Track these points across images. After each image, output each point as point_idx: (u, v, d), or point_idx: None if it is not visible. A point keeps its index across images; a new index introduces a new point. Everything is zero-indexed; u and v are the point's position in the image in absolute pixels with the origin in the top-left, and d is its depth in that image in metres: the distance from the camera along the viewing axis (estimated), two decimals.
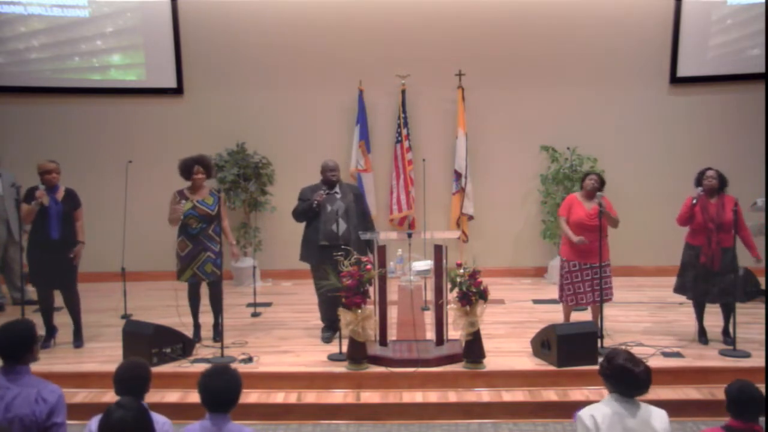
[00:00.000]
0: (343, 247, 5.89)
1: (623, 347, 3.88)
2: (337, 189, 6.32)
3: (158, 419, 3.19)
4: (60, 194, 6.14)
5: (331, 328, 6.31)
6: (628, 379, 3.16)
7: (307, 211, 6.23)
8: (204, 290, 6.34)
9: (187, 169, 6.21)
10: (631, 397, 3.19)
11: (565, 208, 6.31)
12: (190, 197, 6.18)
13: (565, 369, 5.55)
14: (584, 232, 6.09)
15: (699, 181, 6.10)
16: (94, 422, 3.16)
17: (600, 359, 5.49)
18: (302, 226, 6.40)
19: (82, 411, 4.86)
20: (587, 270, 6.14)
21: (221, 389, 3.12)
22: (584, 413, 3.17)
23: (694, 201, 5.95)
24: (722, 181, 6.05)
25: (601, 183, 6.26)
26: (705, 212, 5.97)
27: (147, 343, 5.65)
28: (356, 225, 6.24)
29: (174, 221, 6.17)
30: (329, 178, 6.29)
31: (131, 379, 3.31)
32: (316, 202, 6.15)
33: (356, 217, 6.29)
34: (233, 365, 3.66)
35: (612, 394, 3.23)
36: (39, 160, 6.20)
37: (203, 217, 6.15)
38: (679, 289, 6.25)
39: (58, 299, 6.36)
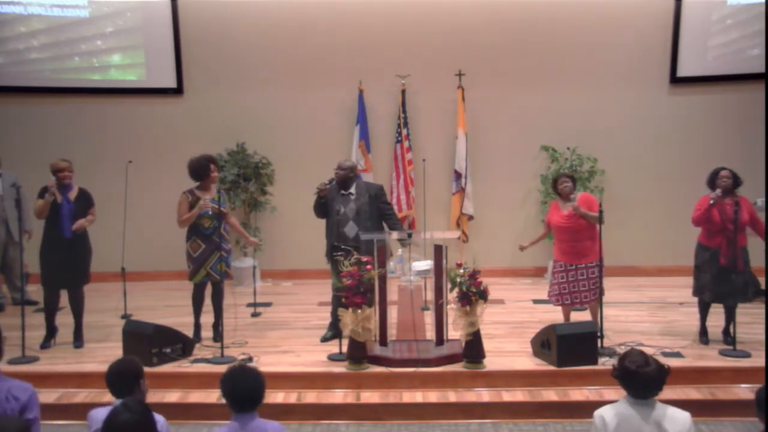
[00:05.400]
0: (343, 247, 5.87)
1: (638, 347, 3.82)
2: (352, 190, 6.26)
3: (157, 419, 3.19)
4: (73, 194, 6.15)
5: (334, 327, 6.27)
6: (636, 380, 3.13)
7: (316, 205, 6.25)
8: (208, 290, 6.36)
9: (202, 168, 6.16)
10: (644, 398, 3.15)
11: (547, 213, 6.43)
12: (201, 196, 6.16)
13: (565, 369, 5.54)
14: (563, 234, 6.14)
15: (712, 182, 5.96)
16: (97, 413, 3.18)
17: (600, 359, 5.54)
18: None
19: (82, 411, 4.83)
20: (575, 271, 6.14)
21: (248, 389, 3.10)
22: (597, 413, 3.17)
23: (712, 201, 5.81)
24: (736, 181, 5.93)
25: (574, 182, 6.26)
26: (722, 213, 5.83)
27: (147, 343, 5.65)
28: (368, 227, 6.12)
29: (188, 221, 6.12)
30: (336, 174, 6.26)
31: (120, 375, 3.26)
32: (317, 191, 6.16)
33: (369, 219, 6.18)
34: (231, 365, 3.65)
35: (627, 395, 3.21)
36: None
37: (216, 215, 6.16)
38: (697, 291, 6.12)
39: (61, 299, 6.36)
